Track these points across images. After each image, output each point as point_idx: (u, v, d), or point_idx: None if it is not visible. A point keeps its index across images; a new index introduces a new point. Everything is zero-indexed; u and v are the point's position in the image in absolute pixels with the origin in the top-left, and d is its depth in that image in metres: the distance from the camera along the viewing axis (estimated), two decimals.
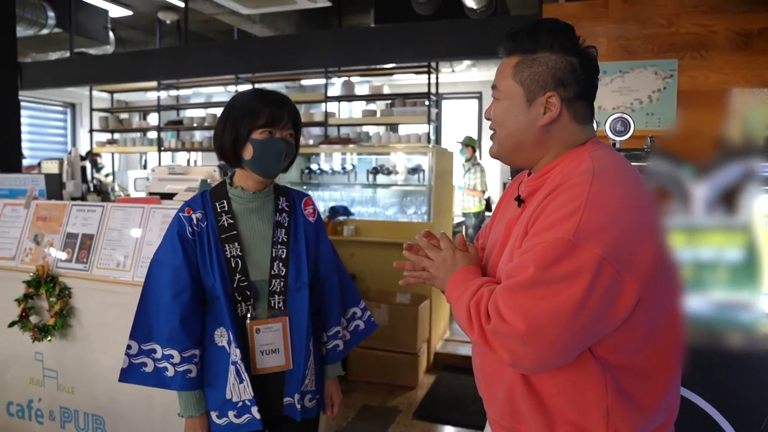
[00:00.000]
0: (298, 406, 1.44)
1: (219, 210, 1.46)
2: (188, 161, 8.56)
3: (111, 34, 6.49)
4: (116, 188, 6.43)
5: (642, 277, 0.92)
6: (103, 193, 5.45)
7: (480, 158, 7.94)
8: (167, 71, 6.01)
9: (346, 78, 6.44)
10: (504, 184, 7.10)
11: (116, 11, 6.29)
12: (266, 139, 1.41)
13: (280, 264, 1.46)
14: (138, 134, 7.72)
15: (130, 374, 1.44)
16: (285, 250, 1.47)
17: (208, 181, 2.10)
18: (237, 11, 4.80)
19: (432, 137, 6.12)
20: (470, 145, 6.56)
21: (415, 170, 4.50)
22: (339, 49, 5.25)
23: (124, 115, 8.06)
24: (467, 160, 6.59)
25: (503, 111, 1.11)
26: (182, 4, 5.67)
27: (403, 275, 1.22)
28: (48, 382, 2.30)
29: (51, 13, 5.31)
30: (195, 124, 6.76)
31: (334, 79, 6.56)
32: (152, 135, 7.70)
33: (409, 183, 4.58)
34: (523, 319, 0.90)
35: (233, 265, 1.42)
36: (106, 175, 7.31)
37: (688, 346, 1.03)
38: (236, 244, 1.43)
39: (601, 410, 0.98)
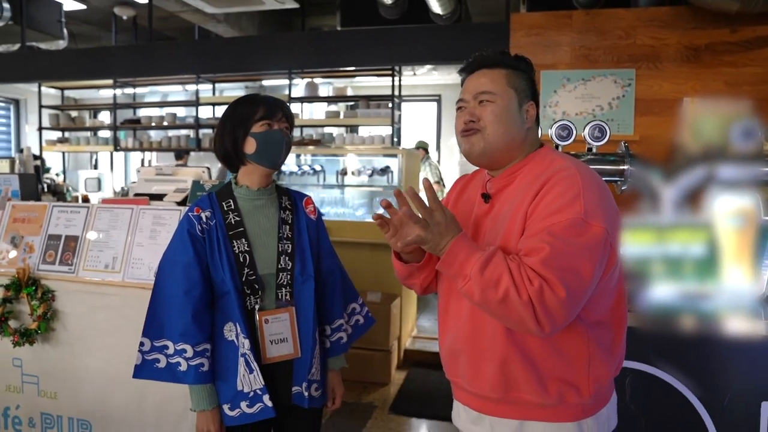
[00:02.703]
0: (306, 394, 1.51)
1: (226, 208, 1.51)
2: (142, 161, 8.34)
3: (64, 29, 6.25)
4: (69, 189, 6.21)
5: (618, 245, 1.15)
6: (58, 194, 5.25)
7: (439, 158, 8.16)
8: (126, 69, 5.86)
9: (310, 79, 6.47)
10: None
11: (70, 5, 6.07)
12: (267, 131, 1.49)
13: (287, 258, 1.52)
14: (89, 133, 7.46)
15: (143, 370, 1.47)
16: (290, 245, 1.54)
17: (201, 182, 2.12)
18: (202, 9, 4.75)
19: (395, 139, 6.23)
20: (422, 147, 6.76)
21: (383, 171, 4.58)
22: (305, 51, 5.27)
23: (74, 113, 7.77)
24: (421, 161, 6.77)
25: (501, 111, 1.23)
26: (143, 0, 5.55)
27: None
28: (27, 388, 2.25)
29: (6, 5, 5.08)
30: (153, 123, 6.61)
31: (297, 80, 6.56)
32: (104, 134, 7.46)
33: (378, 184, 4.67)
34: (563, 286, 1.05)
35: (242, 259, 1.47)
36: (57, 175, 7.03)
37: (660, 333, 1.22)
38: (243, 240, 1.49)
39: (584, 361, 1.17)
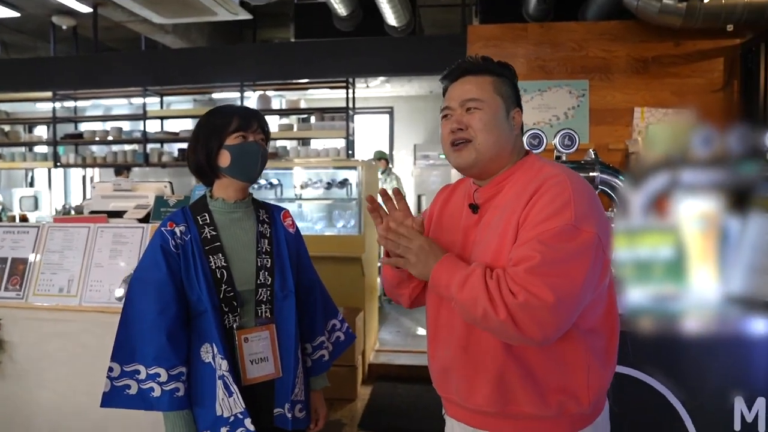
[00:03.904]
0: (289, 416, 1.44)
1: (201, 222, 1.44)
2: (84, 178, 7.95)
3: None
4: (4, 208, 5.83)
5: (611, 251, 1.15)
6: None
7: (392, 169, 8.19)
8: (67, 81, 5.58)
9: (262, 92, 6.36)
10: (419, 197, 7.34)
11: (2, 12, 5.73)
12: (241, 143, 1.43)
13: (266, 273, 1.46)
14: (24, 148, 7.03)
15: (112, 398, 1.36)
16: (269, 260, 1.47)
17: (164, 197, 2.01)
18: (150, 20, 4.59)
19: (349, 151, 6.21)
20: (383, 158, 6.76)
21: (342, 183, 4.54)
22: (258, 63, 5.19)
23: (6, 127, 7.32)
24: (383, 172, 6.76)
25: (490, 119, 1.22)
26: (83, 9, 5.31)
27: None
28: None
29: None
30: (97, 138, 6.31)
31: (249, 93, 6.44)
32: (41, 149, 7.06)
33: (337, 196, 4.61)
34: (551, 292, 1.03)
35: (219, 275, 1.40)
36: None
37: (638, 335, 1.23)
38: (220, 255, 1.42)
39: (583, 370, 1.15)
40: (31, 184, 8.37)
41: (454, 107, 1.24)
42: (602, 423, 1.25)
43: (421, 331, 5.12)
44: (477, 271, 1.11)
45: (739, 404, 1.65)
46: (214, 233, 1.43)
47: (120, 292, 1.88)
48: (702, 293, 1.87)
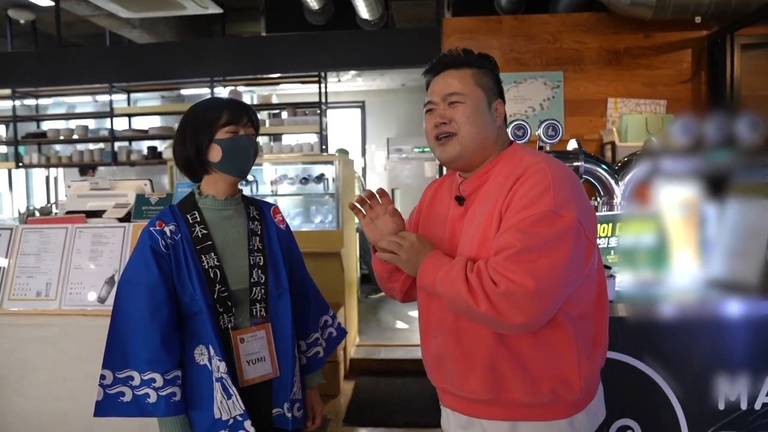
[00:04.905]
0: (289, 415, 1.42)
1: (191, 221, 1.40)
2: (47, 178, 7.67)
3: None
4: None
5: (594, 237, 1.16)
6: None
7: (364, 165, 8.16)
8: (28, 77, 5.37)
9: (233, 87, 6.25)
10: (392, 191, 7.34)
11: None
12: (232, 137, 1.39)
13: (259, 271, 1.43)
14: None
15: (105, 407, 1.32)
16: (262, 257, 1.45)
17: (145, 195, 1.94)
18: (116, 14, 4.45)
19: (323, 146, 6.16)
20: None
21: (319, 179, 4.50)
22: (228, 57, 5.09)
23: None
24: None
25: (472, 111, 1.23)
26: (43, 3, 5.11)
27: None
28: None
29: None
30: (62, 137, 6.10)
31: (219, 89, 6.32)
32: (1, 149, 6.79)
33: (314, 192, 4.58)
34: (531, 278, 1.05)
35: (212, 275, 1.37)
36: None
37: (625, 320, 1.26)
38: (212, 254, 1.38)
39: (573, 356, 1.17)
40: None
41: (437, 101, 1.26)
42: (595, 407, 1.27)
43: (400, 325, 5.14)
44: (458, 264, 1.13)
45: (722, 384, 1.70)
46: (205, 232, 1.39)
47: (103, 293, 1.82)
48: (684, 277, 1.92)
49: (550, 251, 1.07)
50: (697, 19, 3.11)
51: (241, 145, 1.40)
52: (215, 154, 1.39)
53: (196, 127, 1.39)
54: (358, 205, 1.33)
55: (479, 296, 1.07)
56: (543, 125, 1.95)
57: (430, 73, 1.30)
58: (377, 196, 1.33)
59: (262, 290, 1.43)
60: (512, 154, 1.26)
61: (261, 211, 1.52)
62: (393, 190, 7.32)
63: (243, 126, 1.41)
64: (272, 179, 4.51)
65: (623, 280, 1.89)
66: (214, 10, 4.32)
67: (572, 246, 1.08)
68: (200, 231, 1.39)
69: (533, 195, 1.11)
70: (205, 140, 1.38)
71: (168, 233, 1.36)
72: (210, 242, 1.39)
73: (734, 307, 1.72)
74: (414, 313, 5.36)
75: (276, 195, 4.61)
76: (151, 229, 1.36)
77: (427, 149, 7.08)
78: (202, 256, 1.37)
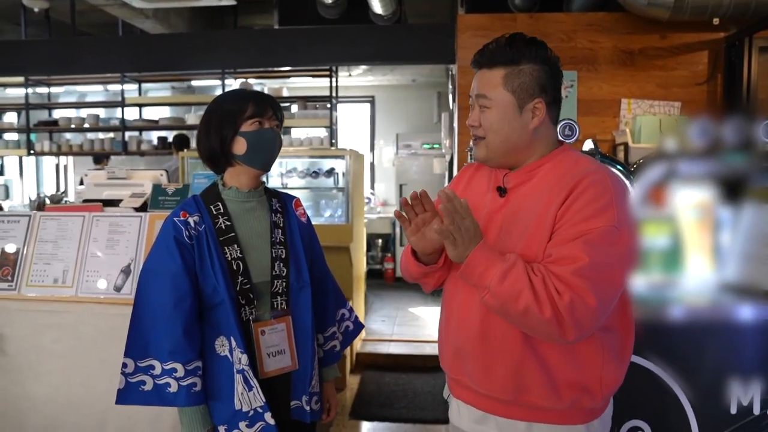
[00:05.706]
0: (307, 408, 1.43)
1: (215, 212, 1.40)
2: (57, 167, 7.71)
3: None
4: None
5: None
6: None
7: (373, 160, 8.16)
8: (41, 66, 5.39)
9: (244, 80, 6.25)
10: (400, 186, 7.34)
11: None
12: (258, 130, 1.39)
13: (281, 264, 1.44)
14: None
15: (127, 395, 1.33)
16: (284, 250, 1.45)
17: (162, 185, 1.96)
18: (129, 3, 4.46)
19: (333, 140, 6.16)
20: None
21: (330, 173, 4.52)
22: (240, 49, 5.09)
23: None
24: None
25: (497, 118, 1.21)
26: None
27: None
28: None
29: None
30: (73, 125, 6.13)
31: (230, 81, 6.33)
32: (11, 137, 6.83)
33: (324, 186, 4.59)
34: (595, 295, 1.05)
35: (234, 267, 1.37)
36: None
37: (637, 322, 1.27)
38: (236, 246, 1.39)
39: (597, 366, 1.17)
40: (1, 173, 8.09)
41: (473, 101, 1.25)
42: (609, 414, 1.29)
43: (407, 320, 5.15)
44: (519, 264, 1.09)
45: (735, 388, 1.70)
46: (229, 223, 1.40)
47: (118, 282, 1.84)
48: (698, 280, 1.92)
49: (613, 270, 1.08)
50: (715, 21, 3.09)
51: (265, 138, 1.40)
52: (240, 146, 1.39)
53: (220, 118, 1.39)
54: (404, 214, 1.21)
55: (544, 303, 1.05)
56: (560, 125, 1.95)
57: (473, 66, 1.27)
58: (421, 199, 1.19)
59: (284, 283, 1.43)
60: (564, 156, 1.23)
61: (283, 204, 1.53)
62: (401, 186, 7.32)
63: (268, 118, 1.41)
64: (281, 172, 4.53)
65: (636, 281, 1.89)
66: (227, 1, 4.32)
67: (630, 265, 1.11)
68: (224, 222, 1.40)
69: (597, 207, 1.09)
70: (229, 132, 1.38)
71: (192, 224, 1.37)
72: (233, 234, 1.40)
73: (748, 312, 1.72)
74: (421, 310, 5.37)
75: (286, 188, 4.62)
76: (174, 219, 1.37)
77: (436, 146, 7.07)
78: (225, 248, 1.37)
